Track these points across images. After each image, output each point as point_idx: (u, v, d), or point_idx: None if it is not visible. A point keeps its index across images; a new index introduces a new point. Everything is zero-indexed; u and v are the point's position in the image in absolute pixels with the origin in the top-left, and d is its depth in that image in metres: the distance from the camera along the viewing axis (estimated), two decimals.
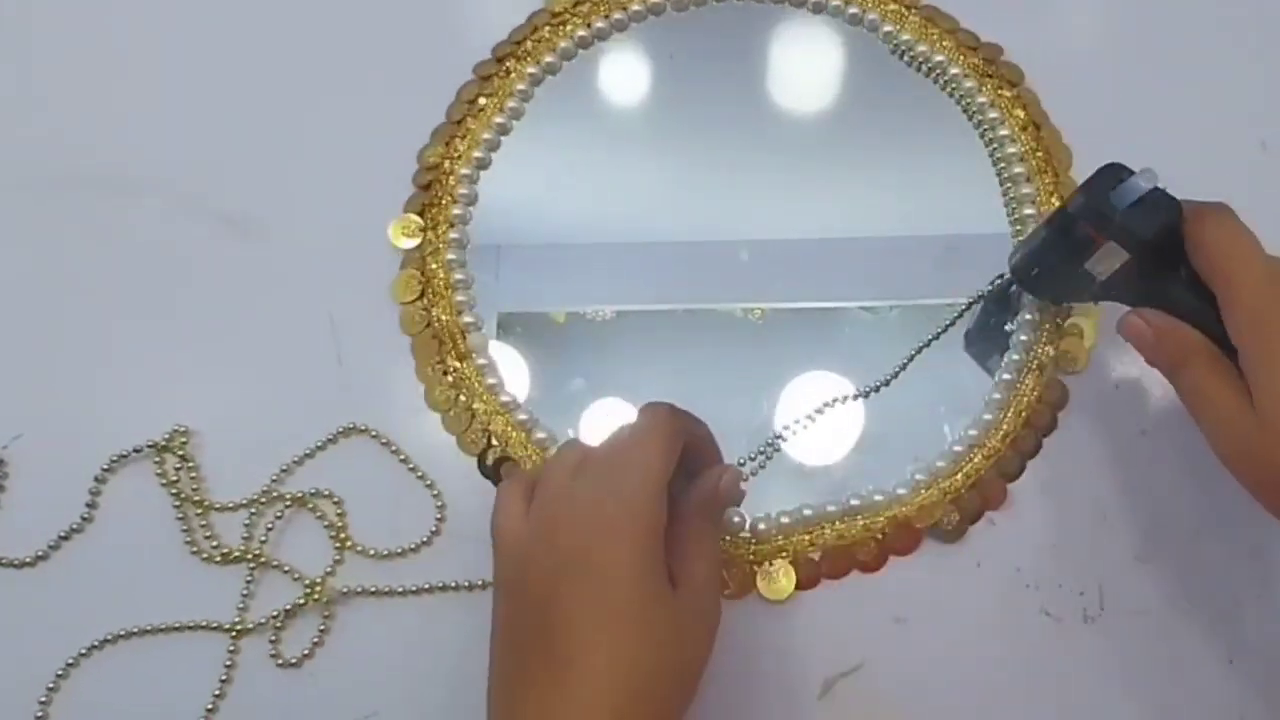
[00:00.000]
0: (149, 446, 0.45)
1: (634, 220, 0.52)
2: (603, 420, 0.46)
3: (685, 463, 0.38)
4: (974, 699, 0.41)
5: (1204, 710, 0.40)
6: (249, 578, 0.43)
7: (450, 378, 0.46)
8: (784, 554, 0.43)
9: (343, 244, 0.49)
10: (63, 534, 0.44)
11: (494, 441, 0.45)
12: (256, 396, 0.47)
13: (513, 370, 0.47)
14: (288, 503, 0.44)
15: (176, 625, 0.42)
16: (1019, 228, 0.48)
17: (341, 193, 0.50)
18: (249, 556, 0.43)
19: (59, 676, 0.42)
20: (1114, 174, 0.39)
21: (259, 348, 0.48)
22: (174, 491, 0.44)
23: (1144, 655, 0.41)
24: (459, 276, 0.48)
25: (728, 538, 0.43)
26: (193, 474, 0.44)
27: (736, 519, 0.43)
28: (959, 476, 0.44)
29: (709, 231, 0.51)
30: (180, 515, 0.44)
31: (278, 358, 0.47)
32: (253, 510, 0.44)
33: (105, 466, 0.44)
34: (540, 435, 0.45)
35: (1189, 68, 0.52)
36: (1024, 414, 0.45)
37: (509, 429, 0.45)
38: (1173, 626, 0.42)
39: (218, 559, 0.43)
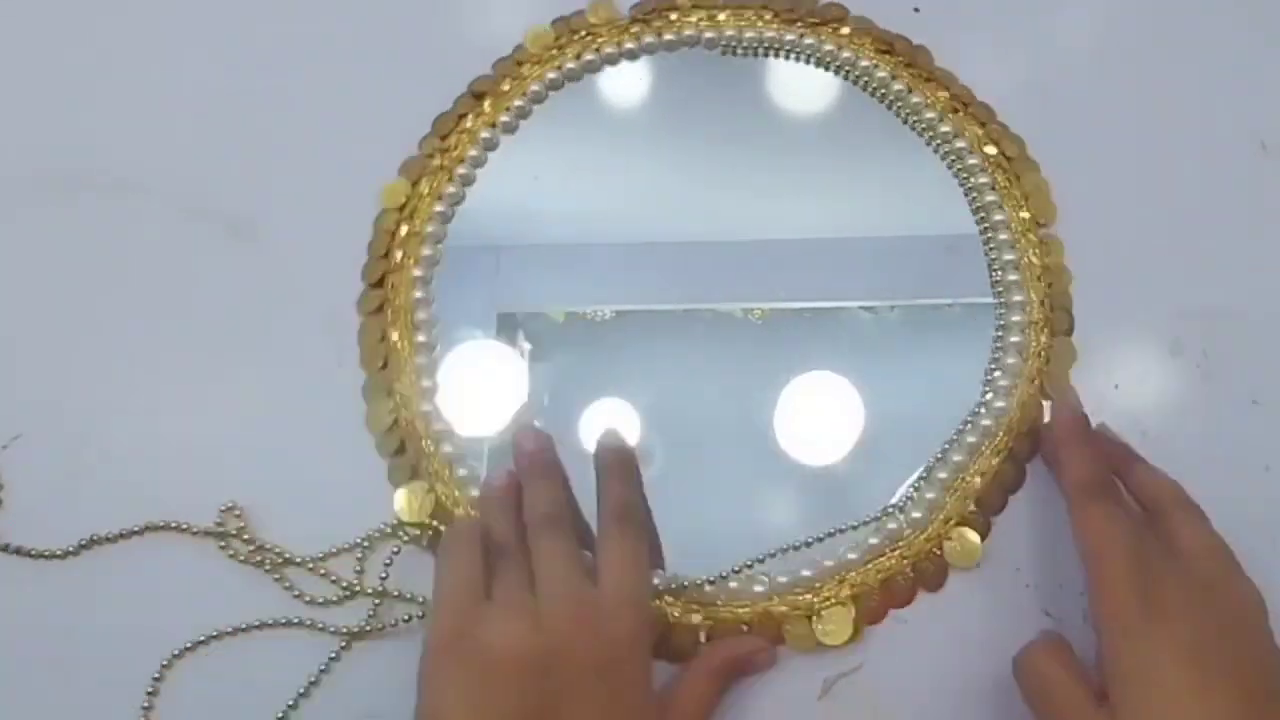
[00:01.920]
0: (207, 533, 0.43)
1: (634, 220, 0.52)
2: (602, 420, 0.46)
3: None
4: (974, 699, 0.41)
5: None
6: (372, 612, 0.42)
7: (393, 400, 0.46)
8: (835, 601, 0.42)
9: (343, 245, 0.49)
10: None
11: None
12: (255, 398, 0.47)
13: (511, 370, 0.47)
14: (405, 538, 0.43)
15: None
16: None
17: (341, 193, 0.50)
18: (368, 591, 0.43)
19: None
20: None
21: (257, 349, 0.47)
22: (257, 561, 0.43)
23: None
24: (418, 294, 0.47)
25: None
26: (267, 547, 0.43)
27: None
28: (970, 475, 0.43)
29: (709, 231, 0.51)
30: (276, 576, 0.43)
31: (277, 359, 0.47)
32: (366, 546, 0.43)
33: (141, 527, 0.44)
34: (461, 473, 0.44)
35: (1189, 68, 0.52)
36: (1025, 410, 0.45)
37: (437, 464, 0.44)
38: None
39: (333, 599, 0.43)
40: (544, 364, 0.48)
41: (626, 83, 0.54)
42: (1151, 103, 0.51)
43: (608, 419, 0.46)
